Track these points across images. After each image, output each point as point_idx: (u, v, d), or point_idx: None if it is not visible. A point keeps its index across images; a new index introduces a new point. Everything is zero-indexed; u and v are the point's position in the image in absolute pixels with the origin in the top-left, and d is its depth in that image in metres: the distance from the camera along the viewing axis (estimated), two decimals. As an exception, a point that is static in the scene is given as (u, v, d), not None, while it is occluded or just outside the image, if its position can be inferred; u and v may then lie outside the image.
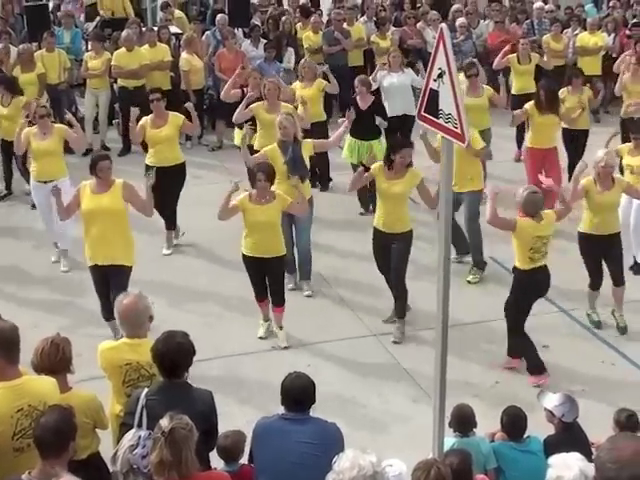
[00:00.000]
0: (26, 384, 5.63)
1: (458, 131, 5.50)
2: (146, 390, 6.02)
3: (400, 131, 14.17)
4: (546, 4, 19.73)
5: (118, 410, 6.51)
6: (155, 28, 17.13)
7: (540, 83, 13.43)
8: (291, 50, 17.27)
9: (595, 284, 10.24)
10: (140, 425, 5.84)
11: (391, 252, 9.99)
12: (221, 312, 10.56)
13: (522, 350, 9.39)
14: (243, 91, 13.38)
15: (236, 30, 17.70)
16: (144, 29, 16.99)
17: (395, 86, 14.35)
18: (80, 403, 6.09)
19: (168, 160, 11.93)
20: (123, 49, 15.85)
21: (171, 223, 12.39)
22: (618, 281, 10.14)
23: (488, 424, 7.29)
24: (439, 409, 6.10)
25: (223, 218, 9.84)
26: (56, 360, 6.14)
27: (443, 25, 5.70)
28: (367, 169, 10.34)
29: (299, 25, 18.38)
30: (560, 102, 13.05)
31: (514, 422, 6.96)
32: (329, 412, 6.68)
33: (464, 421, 6.91)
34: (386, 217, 9.99)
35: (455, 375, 7.74)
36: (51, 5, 19.50)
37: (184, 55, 16.18)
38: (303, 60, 14.71)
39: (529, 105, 12.88)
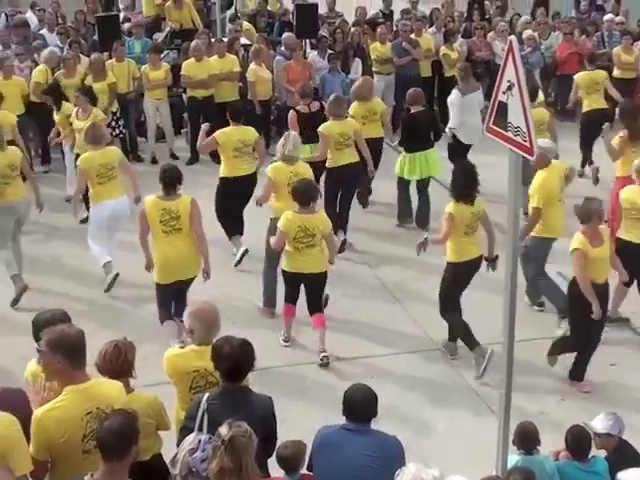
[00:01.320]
0: (94, 387, 5.71)
1: (527, 144, 5.46)
2: (207, 394, 6.04)
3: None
4: (616, 16, 19.53)
5: (183, 416, 6.47)
6: (224, 39, 17.27)
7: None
8: (358, 61, 17.30)
9: None
10: (201, 429, 5.86)
11: None
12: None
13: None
14: (297, 111, 13.37)
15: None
16: (213, 40, 17.13)
17: (456, 103, 13.87)
18: (142, 404, 6.15)
19: (241, 171, 11.93)
20: (192, 59, 15.95)
21: (241, 228, 12.35)
22: None
23: (553, 441, 7.20)
24: (503, 425, 6.05)
25: None
26: (118, 363, 6.19)
27: (513, 37, 5.67)
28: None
29: (368, 36, 18.38)
30: None
31: (579, 442, 6.87)
32: (391, 425, 6.65)
33: (528, 438, 6.83)
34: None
35: (520, 391, 7.68)
36: (122, 16, 19.75)
37: (252, 66, 16.21)
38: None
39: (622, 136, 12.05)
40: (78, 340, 5.67)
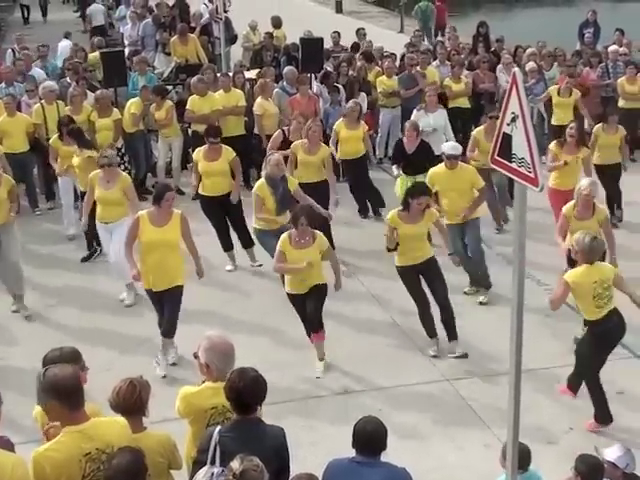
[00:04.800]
0: (93, 428, 5.54)
1: (532, 175, 5.48)
2: (219, 427, 5.97)
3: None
4: (620, 47, 19.63)
5: (194, 453, 6.31)
6: (230, 74, 17.31)
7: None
8: (363, 95, 17.32)
9: None
10: (213, 462, 5.77)
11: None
12: (291, 354, 10.57)
13: (593, 397, 9.13)
14: (284, 132, 14.10)
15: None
16: (218, 75, 17.19)
17: (431, 126, 14.77)
18: (154, 443, 6.09)
19: (224, 189, 12.80)
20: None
21: (248, 240, 12.99)
22: None
23: (562, 470, 7.17)
24: (512, 456, 6.03)
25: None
26: (132, 401, 6.09)
27: (516, 69, 5.70)
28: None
29: (374, 70, 18.48)
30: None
31: (593, 471, 6.79)
32: (400, 457, 6.64)
33: (523, 458, 6.75)
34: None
35: (528, 421, 7.66)
36: (127, 51, 19.87)
37: (258, 100, 16.19)
38: (310, 122, 13.58)
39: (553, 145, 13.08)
40: (72, 382, 5.51)
